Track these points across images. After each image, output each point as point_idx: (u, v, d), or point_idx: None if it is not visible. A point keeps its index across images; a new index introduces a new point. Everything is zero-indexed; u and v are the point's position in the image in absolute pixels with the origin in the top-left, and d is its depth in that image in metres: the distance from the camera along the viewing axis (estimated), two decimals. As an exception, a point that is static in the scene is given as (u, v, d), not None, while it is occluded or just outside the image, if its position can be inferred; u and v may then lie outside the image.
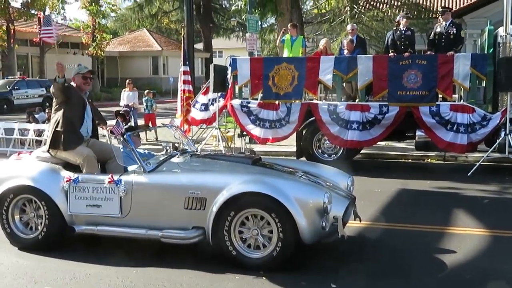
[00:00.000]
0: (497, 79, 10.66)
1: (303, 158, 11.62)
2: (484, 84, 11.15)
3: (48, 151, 6.56)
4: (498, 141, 10.59)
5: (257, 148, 13.28)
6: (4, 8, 31.86)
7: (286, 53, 13.13)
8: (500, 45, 10.92)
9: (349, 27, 13.34)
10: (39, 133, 13.99)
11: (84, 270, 5.65)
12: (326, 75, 11.47)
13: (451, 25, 11.49)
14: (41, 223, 6.23)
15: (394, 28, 12.36)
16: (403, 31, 11.78)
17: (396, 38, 11.78)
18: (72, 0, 62.54)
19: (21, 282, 5.40)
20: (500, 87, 10.66)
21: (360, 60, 11.31)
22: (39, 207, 6.23)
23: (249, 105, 12.01)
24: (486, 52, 11.19)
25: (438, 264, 5.78)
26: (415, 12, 24.29)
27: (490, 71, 10.77)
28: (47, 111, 16.26)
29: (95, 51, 38.70)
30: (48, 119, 14.29)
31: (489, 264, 5.81)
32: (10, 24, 32.93)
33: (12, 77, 31.63)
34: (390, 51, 11.50)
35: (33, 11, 34.41)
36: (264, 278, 5.31)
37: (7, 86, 29.49)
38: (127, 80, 18.21)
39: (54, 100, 6.63)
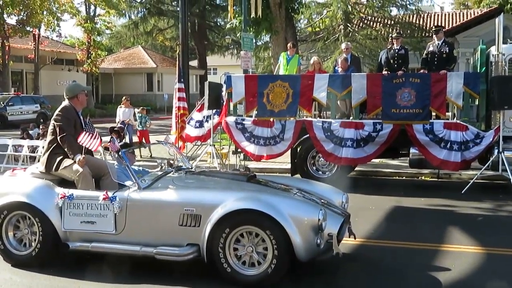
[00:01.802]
0: (490, 97, 10.73)
1: (298, 175, 11.63)
2: (477, 102, 11.22)
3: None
4: (491, 158, 10.63)
5: (252, 165, 13.27)
6: (-1, 24, 31.97)
7: (281, 71, 13.21)
8: (493, 64, 11.00)
9: (343, 45, 13.46)
10: (33, 149, 13.92)
11: (78, 286, 5.63)
12: (321, 92, 11.53)
13: (444, 44, 11.58)
14: (35, 240, 6.20)
15: (388, 47, 12.46)
16: (396, 50, 11.87)
17: (390, 56, 11.87)
18: (67, 17, 62.80)
19: (14, 299, 5.37)
20: (493, 106, 10.73)
21: (354, 78, 11.38)
22: (33, 224, 6.20)
23: (243, 122, 12.03)
24: (478, 71, 11.27)
25: (432, 282, 5.78)
26: (408, 31, 24.57)
27: (482, 90, 10.84)
28: (41, 127, 16.26)
29: (90, 68, 38.79)
30: (43, 135, 14.27)
31: (483, 281, 5.82)
32: (5, 41, 32.99)
33: (7, 93, 31.62)
34: (384, 70, 11.58)
35: (28, 28, 34.48)
36: (258, 295, 5.30)
37: (2, 102, 29.42)
38: (124, 97, 18.21)
39: (54, 122, 6.62)
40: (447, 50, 11.49)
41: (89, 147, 6.37)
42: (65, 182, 6.42)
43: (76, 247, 6.04)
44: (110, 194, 5.93)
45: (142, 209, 5.86)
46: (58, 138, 6.48)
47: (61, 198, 6.08)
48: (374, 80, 11.32)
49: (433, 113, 11.19)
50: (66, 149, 6.43)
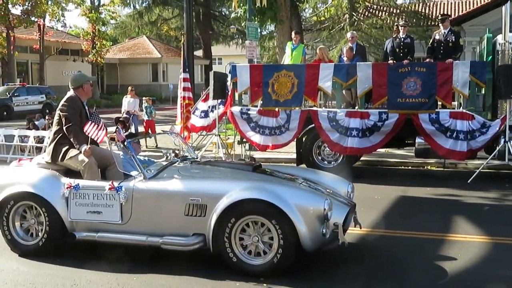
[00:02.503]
0: (496, 86, 10.69)
1: (303, 165, 11.62)
2: (483, 92, 11.18)
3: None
4: (497, 148, 10.60)
5: (257, 155, 13.29)
6: (4, 15, 31.92)
7: (287, 61, 13.16)
8: (499, 52, 10.95)
9: (349, 34, 13.38)
10: (39, 139, 13.99)
11: (85, 276, 5.65)
12: (326, 82, 11.49)
13: (450, 32, 11.52)
14: (41, 230, 6.23)
15: (394, 35, 12.40)
16: (402, 39, 11.81)
17: (396, 45, 11.81)
18: (72, 8, 62.64)
19: (22, 288, 5.41)
20: (499, 95, 10.68)
21: (359, 68, 11.33)
22: (40, 214, 6.24)
23: (249, 112, 12.02)
24: (485, 60, 11.22)
25: (438, 271, 5.78)
26: (414, 20, 24.40)
27: (489, 79, 10.80)
28: (47, 117, 16.30)
29: (95, 58, 38.80)
30: (49, 126, 14.31)
31: (489, 271, 5.81)
32: (10, 31, 33.00)
33: (12, 84, 31.68)
34: (390, 59, 11.53)
35: (33, 18, 34.47)
36: (264, 284, 5.31)
37: (7, 93, 29.54)
38: (129, 87, 18.25)
39: (59, 112, 6.63)
40: (453, 39, 11.43)
41: (95, 138, 6.39)
42: (71, 172, 6.44)
43: (83, 237, 6.07)
44: (116, 184, 5.95)
45: (147, 199, 5.87)
46: (64, 128, 6.49)
47: (67, 188, 6.10)
48: (380, 69, 11.27)
49: (439, 103, 11.14)
50: (72, 139, 6.44)
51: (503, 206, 9.05)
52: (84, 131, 6.35)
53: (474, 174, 10.67)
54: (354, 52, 12.37)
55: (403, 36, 11.84)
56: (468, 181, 10.53)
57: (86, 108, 6.81)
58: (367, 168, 12.93)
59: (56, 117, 6.70)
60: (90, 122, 6.43)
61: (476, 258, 6.20)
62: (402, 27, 11.97)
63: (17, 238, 6.37)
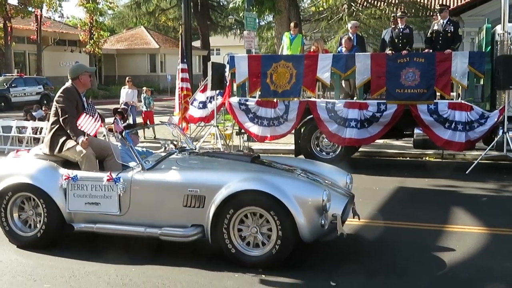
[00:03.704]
0: (495, 77, 10.66)
1: (301, 156, 11.62)
2: (482, 82, 11.16)
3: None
4: (496, 139, 10.60)
5: (255, 146, 13.28)
6: (1, 5, 31.77)
7: (285, 51, 13.12)
8: (498, 43, 10.91)
9: (351, 24, 13.27)
10: (37, 130, 13.96)
11: (83, 267, 5.65)
12: (324, 73, 11.46)
13: (448, 23, 11.47)
14: (39, 221, 6.22)
15: (392, 26, 12.35)
16: (401, 29, 11.76)
17: (394, 36, 11.77)
18: (69, -2, 62.31)
19: (20, 280, 5.40)
20: (498, 85, 10.66)
21: (358, 58, 11.30)
22: (38, 205, 6.22)
23: (247, 103, 12.00)
24: (484, 50, 11.19)
25: (436, 262, 5.79)
26: (413, 10, 24.29)
27: (488, 69, 10.78)
28: (43, 108, 16.26)
29: (92, 49, 38.67)
30: (46, 117, 14.27)
31: (488, 262, 5.82)
32: (7, 22, 32.85)
33: (10, 74, 31.58)
34: (388, 49, 11.49)
35: (30, 9, 34.29)
36: (263, 276, 5.32)
37: (5, 84, 29.44)
38: (127, 78, 18.21)
39: (55, 104, 6.59)
40: (452, 29, 11.39)
41: (88, 131, 6.29)
42: (69, 163, 6.42)
43: (81, 228, 6.06)
44: (114, 175, 5.93)
45: (146, 190, 5.87)
46: (60, 120, 6.45)
47: (65, 179, 6.08)
48: (378, 60, 11.25)
49: (438, 93, 11.12)
50: (68, 131, 6.40)
51: (501, 197, 9.06)
52: (77, 124, 6.29)
53: (473, 165, 10.67)
54: (354, 43, 12.33)
55: (402, 26, 11.80)
56: (466, 172, 10.54)
57: (84, 99, 6.77)
58: (365, 159, 12.93)
59: (53, 109, 6.66)
60: (84, 114, 6.34)
61: (474, 249, 6.21)
62: (400, 18, 11.92)
63: (15, 230, 6.35)
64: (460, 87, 11.17)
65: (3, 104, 28.47)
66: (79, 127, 6.28)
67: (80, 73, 6.73)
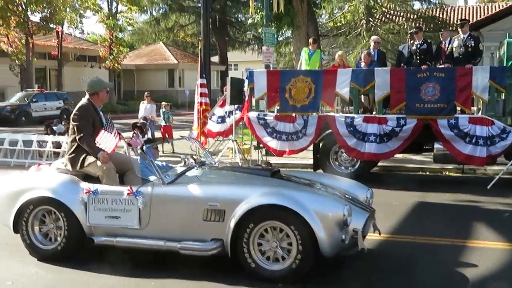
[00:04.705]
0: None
1: (320, 171, 11.57)
2: (503, 97, 11.05)
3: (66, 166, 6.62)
4: (517, 154, 10.47)
5: (274, 160, 13.26)
6: (23, 22, 32.29)
7: (303, 66, 13.14)
8: (519, 57, 10.83)
9: (373, 38, 13.24)
10: (57, 145, 14.10)
11: (103, 281, 5.66)
12: (343, 87, 11.43)
13: (469, 37, 11.42)
14: (60, 234, 6.26)
15: (410, 41, 12.31)
16: (418, 45, 11.74)
17: (412, 52, 11.75)
18: (90, 14, 63.11)
19: (41, 293, 5.42)
20: (520, 100, 10.56)
21: (377, 73, 11.26)
22: (59, 218, 6.26)
23: (265, 117, 12.01)
24: (505, 65, 11.10)
25: (458, 278, 5.71)
26: (432, 25, 24.25)
27: (509, 84, 10.65)
28: (63, 123, 16.42)
29: (112, 64, 39.06)
30: (66, 131, 14.41)
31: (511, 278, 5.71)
32: (29, 38, 33.34)
33: (31, 89, 32.00)
34: (403, 65, 11.41)
35: (51, 25, 34.80)
36: (283, 290, 5.28)
37: (26, 99, 29.86)
38: (146, 93, 18.35)
39: (72, 123, 6.61)
40: (473, 44, 11.33)
41: (106, 148, 6.26)
42: (90, 177, 6.45)
43: (101, 241, 6.08)
44: (134, 189, 5.95)
45: (166, 204, 5.87)
46: (77, 138, 6.46)
47: (86, 193, 6.12)
48: (398, 74, 11.19)
49: (458, 108, 11.03)
50: (87, 149, 6.41)
51: (524, 213, 8.93)
52: (96, 141, 6.29)
53: (494, 180, 10.54)
54: (375, 59, 12.32)
55: (420, 41, 11.76)
56: (488, 187, 10.41)
57: (101, 114, 6.78)
58: (384, 174, 12.84)
59: (70, 126, 6.68)
60: (102, 131, 6.34)
61: (497, 265, 6.11)
62: (416, 33, 11.88)
63: (36, 243, 6.39)
64: (481, 101, 11.07)
65: (24, 118, 28.81)
66: (97, 145, 6.28)
67: (99, 89, 6.74)
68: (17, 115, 28.71)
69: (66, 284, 5.64)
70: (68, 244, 6.20)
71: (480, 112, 11.19)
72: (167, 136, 16.71)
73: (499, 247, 6.82)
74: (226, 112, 13.68)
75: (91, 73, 38.67)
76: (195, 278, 5.65)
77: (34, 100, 29.94)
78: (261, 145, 12.47)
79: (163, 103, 17.56)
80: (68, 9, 36.09)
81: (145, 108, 17.40)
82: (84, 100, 6.67)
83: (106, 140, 6.27)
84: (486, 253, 6.51)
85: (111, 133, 6.36)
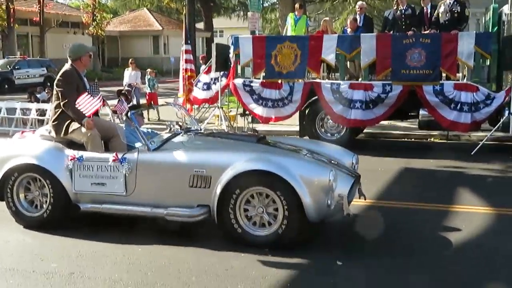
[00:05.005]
0: (502, 57, 10.59)
1: (306, 137, 11.59)
2: (488, 63, 11.08)
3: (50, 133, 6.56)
4: (501, 120, 10.55)
5: (260, 127, 13.26)
6: (3, -13, 31.66)
7: (289, 33, 13.04)
8: (505, 23, 10.83)
9: (358, 4, 13.16)
10: (41, 112, 13.96)
11: (90, 247, 5.67)
12: (329, 54, 11.40)
13: (455, 3, 11.37)
14: (46, 202, 6.23)
15: (394, 7, 12.24)
16: (403, 10, 11.69)
17: (397, 17, 11.69)
18: (71, -21, 61.94)
19: (27, 259, 5.42)
20: (505, 66, 10.60)
21: (363, 39, 11.22)
22: (44, 186, 6.23)
23: (251, 84, 11.95)
24: (490, 31, 11.09)
25: (442, 242, 5.80)
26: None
27: (494, 50, 10.68)
28: (47, 90, 16.24)
29: (95, 31, 38.47)
30: (49, 98, 14.27)
31: (494, 242, 5.81)
32: (9, 3, 32.67)
33: (13, 57, 31.52)
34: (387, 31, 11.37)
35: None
36: (269, 255, 5.32)
37: (8, 66, 29.46)
38: (130, 60, 18.16)
39: (56, 88, 6.52)
40: (459, 10, 11.28)
41: (85, 111, 6.16)
42: (74, 144, 6.40)
43: (87, 208, 6.07)
44: (119, 155, 5.92)
45: (152, 170, 5.86)
46: (61, 104, 6.39)
47: (71, 160, 6.08)
48: (384, 40, 11.16)
49: (444, 74, 11.05)
50: (71, 115, 6.35)
51: (507, 178, 9.04)
52: (76, 103, 6.19)
53: (478, 146, 10.64)
54: (361, 24, 12.25)
55: (404, 7, 11.71)
56: (472, 153, 10.50)
57: (85, 79, 6.71)
58: (370, 140, 12.91)
59: (54, 92, 6.60)
60: (84, 94, 6.23)
61: (481, 229, 6.20)
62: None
63: (22, 210, 6.37)
64: (466, 68, 11.10)
65: (6, 86, 28.47)
66: (77, 106, 6.19)
67: (82, 54, 6.63)
68: (-1, 83, 28.32)
69: (53, 250, 5.64)
70: (54, 211, 6.19)
71: (466, 78, 11.24)
72: (152, 103, 16.60)
73: (482, 211, 6.92)
74: (211, 79, 13.61)
75: (74, 40, 38.07)
76: (181, 244, 5.68)
77: (16, 67, 29.55)
78: (247, 112, 12.44)
79: (149, 70, 17.40)
80: (49, -26, 35.38)
81: (129, 75, 17.22)
82: (67, 66, 6.58)
83: (86, 103, 6.17)
84: (469, 218, 6.60)
85: (94, 97, 6.28)
